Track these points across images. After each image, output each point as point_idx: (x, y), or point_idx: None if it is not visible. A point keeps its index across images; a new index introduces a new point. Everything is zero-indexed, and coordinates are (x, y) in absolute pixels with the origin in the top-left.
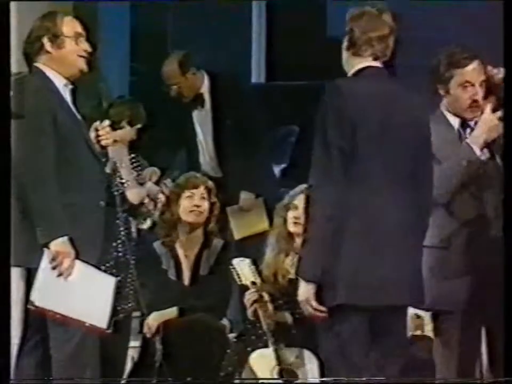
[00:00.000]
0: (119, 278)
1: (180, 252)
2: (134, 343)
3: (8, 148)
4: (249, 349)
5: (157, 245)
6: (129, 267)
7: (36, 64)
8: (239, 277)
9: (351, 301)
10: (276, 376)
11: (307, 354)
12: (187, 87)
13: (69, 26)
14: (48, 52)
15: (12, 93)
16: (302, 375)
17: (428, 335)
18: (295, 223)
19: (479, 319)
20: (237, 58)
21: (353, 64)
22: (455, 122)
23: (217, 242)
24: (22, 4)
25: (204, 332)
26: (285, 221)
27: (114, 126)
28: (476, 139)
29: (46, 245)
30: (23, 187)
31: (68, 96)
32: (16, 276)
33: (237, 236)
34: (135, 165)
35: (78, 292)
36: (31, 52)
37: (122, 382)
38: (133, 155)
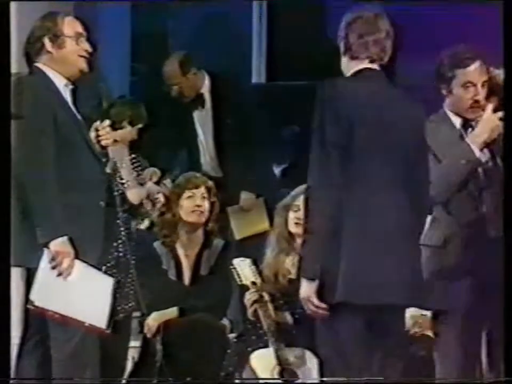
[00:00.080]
0: (118, 278)
1: (180, 252)
2: (135, 343)
3: (8, 148)
4: (249, 349)
5: (157, 245)
6: (129, 267)
7: (37, 64)
8: (239, 277)
9: (350, 299)
10: (276, 376)
11: (307, 354)
12: (188, 87)
13: (70, 26)
14: (48, 52)
15: (12, 93)
16: (302, 375)
17: (428, 335)
18: (297, 223)
19: (479, 319)
20: (237, 59)
21: (350, 67)
22: (457, 122)
23: (218, 242)
24: (22, 4)
25: (204, 332)
26: (286, 221)
27: (115, 126)
28: (476, 139)
29: (46, 245)
30: (23, 187)
31: (68, 96)
32: (16, 276)
33: (238, 236)
34: (135, 165)
35: (78, 291)
36: (32, 51)
37: (123, 382)
38: (133, 155)
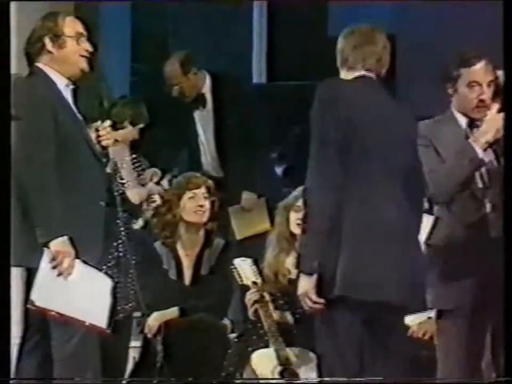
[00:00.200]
0: (118, 278)
1: (181, 252)
2: (135, 343)
3: (8, 148)
4: (250, 349)
5: (157, 245)
6: (129, 267)
7: (37, 64)
8: (240, 277)
9: (348, 293)
10: (277, 376)
11: (308, 354)
12: (189, 87)
13: (70, 26)
14: (49, 52)
15: (12, 93)
16: (303, 375)
17: (431, 336)
18: (299, 224)
19: (483, 319)
20: (238, 59)
21: (348, 76)
22: (463, 121)
23: (218, 242)
24: (22, 4)
25: (205, 331)
26: (287, 221)
27: (115, 126)
28: (480, 138)
29: (46, 245)
30: (23, 187)
31: (69, 96)
32: (16, 276)
33: (239, 236)
34: (136, 165)
35: (78, 291)
36: (33, 52)
37: (124, 382)
38: (134, 155)
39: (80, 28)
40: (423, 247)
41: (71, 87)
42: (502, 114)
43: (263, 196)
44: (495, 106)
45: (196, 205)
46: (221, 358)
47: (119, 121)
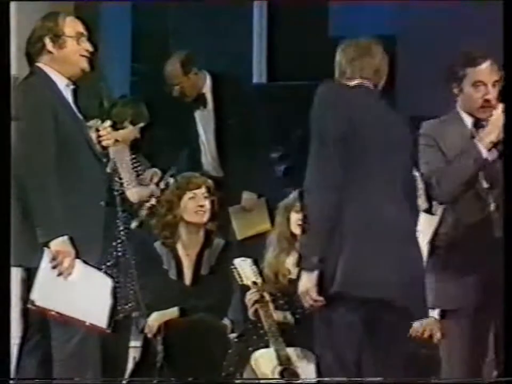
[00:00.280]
0: (118, 278)
1: (181, 252)
2: (135, 343)
3: (8, 148)
4: (250, 349)
5: (157, 245)
6: (129, 267)
7: (38, 64)
8: (240, 277)
9: (348, 290)
10: (277, 376)
11: (308, 354)
12: (189, 87)
13: (71, 26)
14: (50, 52)
15: (12, 93)
16: (303, 374)
17: (433, 336)
18: (300, 225)
19: (486, 319)
20: (238, 59)
21: None
22: (468, 121)
23: (218, 242)
24: (22, 4)
25: (205, 332)
26: (288, 220)
27: (116, 126)
28: (484, 138)
29: (46, 245)
30: (23, 187)
31: (69, 96)
32: (16, 276)
33: (239, 236)
34: (135, 165)
35: (78, 291)
36: (33, 51)
37: (124, 382)
38: (134, 155)
39: (80, 27)
40: (426, 247)
41: (71, 87)
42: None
43: (264, 195)
44: (500, 106)
45: (196, 205)
46: (221, 358)
47: (119, 121)
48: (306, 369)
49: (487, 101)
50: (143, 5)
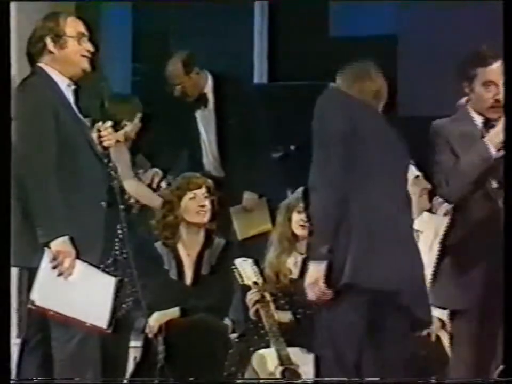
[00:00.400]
0: (119, 278)
1: (182, 252)
2: (136, 343)
3: (8, 148)
4: (251, 349)
5: (158, 245)
6: (129, 267)
7: (39, 64)
8: (241, 277)
9: (357, 281)
10: (278, 376)
11: (308, 354)
12: (191, 87)
13: (72, 26)
14: (51, 52)
15: (13, 93)
16: (304, 374)
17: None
18: (302, 225)
19: (495, 319)
20: (239, 59)
21: None
22: (478, 121)
23: (219, 242)
24: (22, 4)
25: (206, 332)
26: (289, 220)
27: (116, 127)
28: (494, 139)
29: (47, 245)
30: (24, 187)
31: (70, 96)
32: (16, 276)
33: (240, 236)
34: (135, 165)
35: (79, 291)
36: (34, 52)
37: (125, 382)
38: (135, 155)
39: (81, 28)
40: (437, 247)
41: (73, 87)
42: None
43: (265, 196)
44: None
45: (197, 205)
46: (222, 358)
47: (119, 121)
48: (307, 369)
49: (497, 101)
50: (144, 5)
